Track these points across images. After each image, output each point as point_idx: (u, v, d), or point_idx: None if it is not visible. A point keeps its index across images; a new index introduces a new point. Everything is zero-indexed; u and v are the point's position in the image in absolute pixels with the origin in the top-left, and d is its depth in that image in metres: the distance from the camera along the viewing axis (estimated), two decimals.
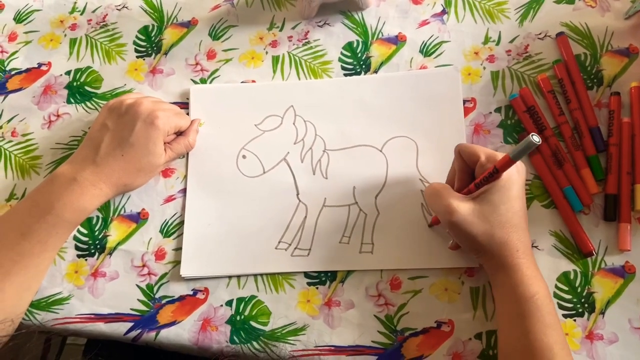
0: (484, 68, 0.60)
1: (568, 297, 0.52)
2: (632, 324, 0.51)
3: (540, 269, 0.52)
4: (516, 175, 0.48)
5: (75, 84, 0.65)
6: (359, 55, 0.63)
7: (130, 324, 0.55)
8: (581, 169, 0.54)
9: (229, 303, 0.55)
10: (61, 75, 0.66)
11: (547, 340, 0.44)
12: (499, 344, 0.49)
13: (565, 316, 0.51)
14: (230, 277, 0.56)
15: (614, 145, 0.54)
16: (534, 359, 0.44)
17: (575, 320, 0.51)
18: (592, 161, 0.55)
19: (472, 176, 0.51)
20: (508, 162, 0.45)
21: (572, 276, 0.52)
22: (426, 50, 0.62)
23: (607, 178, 0.54)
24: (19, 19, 0.69)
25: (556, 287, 0.52)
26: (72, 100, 0.64)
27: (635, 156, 0.54)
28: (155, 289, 0.56)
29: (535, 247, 0.53)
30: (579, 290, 0.52)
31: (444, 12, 0.64)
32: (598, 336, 0.51)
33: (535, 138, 0.41)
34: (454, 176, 0.52)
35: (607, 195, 0.53)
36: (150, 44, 0.66)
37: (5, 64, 0.67)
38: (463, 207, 0.47)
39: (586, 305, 0.52)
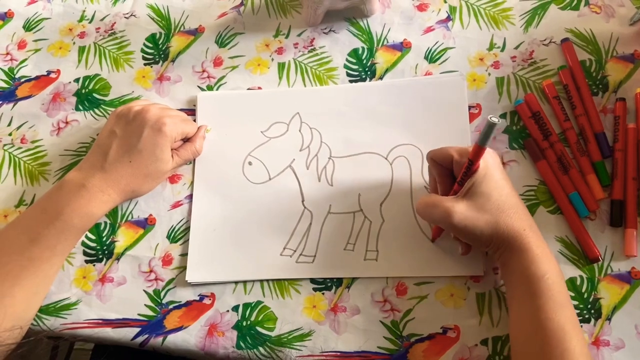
0: (489, 74, 0.61)
1: (574, 303, 0.52)
2: (639, 330, 0.50)
3: None
4: (492, 160, 0.49)
5: (83, 91, 0.66)
6: (364, 61, 0.63)
7: (137, 329, 0.55)
8: (587, 175, 0.54)
9: (235, 308, 0.55)
10: (70, 82, 0.66)
11: (559, 319, 0.44)
12: (510, 328, 0.49)
13: None
14: (236, 282, 0.56)
15: (620, 151, 0.54)
16: (546, 338, 0.44)
17: (582, 326, 0.51)
18: (598, 167, 0.55)
19: (452, 178, 0.51)
20: (478, 150, 0.46)
21: (578, 282, 0.52)
22: (431, 57, 0.62)
23: (613, 184, 0.54)
24: (28, 27, 0.70)
25: None
26: (81, 108, 0.65)
27: None
28: (162, 294, 0.56)
29: None
30: (585, 296, 0.52)
31: (448, 18, 0.64)
32: (604, 342, 0.50)
33: (494, 119, 0.42)
34: (436, 185, 0.53)
35: (613, 200, 0.53)
36: (158, 51, 0.67)
37: (15, 71, 0.68)
38: (459, 206, 0.47)
39: (592, 311, 0.51)
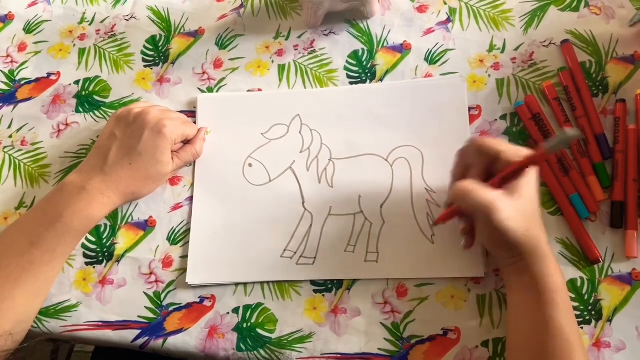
0: (489, 76, 0.61)
1: (575, 304, 0.52)
2: None
3: None
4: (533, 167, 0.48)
5: (83, 93, 0.66)
6: (365, 63, 0.63)
7: (137, 332, 0.55)
8: (587, 176, 0.54)
9: (235, 310, 0.55)
10: (70, 84, 0.66)
11: (569, 329, 0.45)
12: (510, 333, 0.48)
13: None
14: (236, 284, 0.56)
15: (620, 152, 0.54)
16: (555, 348, 0.44)
17: (582, 327, 0.51)
18: (599, 168, 0.55)
19: (485, 171, 0.50)
20: (542, 156, 0.46)
21: (578, 283, 0.52)
22: (431, 59, 0.62)
23: (613, 185, 0.54)
24: (28, 29, 0.70)
25: None
26: (81, 110, 0.65)
27: None
28: (162, 296, 0.56)
29: None
30: (585, 297, 0.52)
31: (448, 20, 0.64)
32: (605, 344, 0.50)
33: (570, 131, 0.42)
34: (463, 173, 0.51)
35: (614, 202, 0.53)
36: (158, 53, 0.67)
37: (15, 73, 0.68)
38: (505, 203, 0.45)
39: (593, 312, 0.51)
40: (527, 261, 0.47)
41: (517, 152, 0.48)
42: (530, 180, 0.47)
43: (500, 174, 0.48)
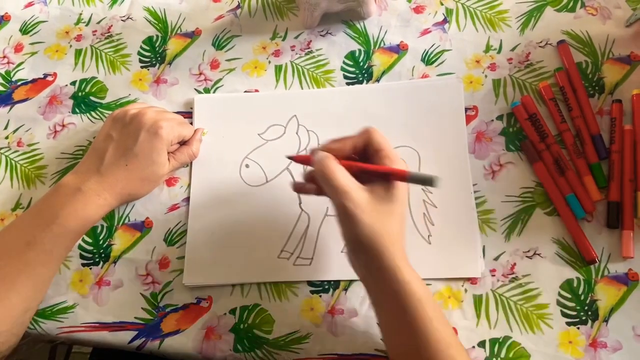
0: (486, 76, 0.61)
1: (571, 304, 0.52)
2: (636, 331, 0.50)
3: (542, 276, 0.53)
4: (404, 193, 0.47)
5: (80, 94, 0.66)
6: (361, 64, 0.63)
7: (134, 333, 0.55)
8: (583, 177, 0.54)
9: (232, 311, 0.55)
10: (66, 85, 0.66)
11: (442, 336, 0.43)
12: (388, 348, 0.47)
13: (568, 324, 0.51)
14: (233, 285, 0.56)
15: (616, 153, 0.54)
16: (423, 350, 0.43)
17: (579, 328, 0.51)
18: (594, 168, 0.55)
19: (360, 154, 0.49)
20: (401, 178, 0.45)
21: (575, 284, 0.52)
22: (428, 59, 0.62)
23: (609, 185, 0.54)
24: (24, 30, 0.70)
25: (559, 294, 0.52)
26: (77, 111, 0.65)
27: (637, 163, 0.54)
28: (159, 297, 0.56)
29: (538, 254, 0.53)
30: (582, 297, 0.52)
31: (445, 21, 0.64)
32: (602, 344, 0.50)
33: (438, 182, 0.43)
34: (346, 143, 0.49)
35: (610, 202, 0.53)
36: (155, 54, 0.67)
37: (12, 74, 0.68)
38: (360, 194, 0.45)
39: (590, 313, 0.51)
40: (369, 268, 0.45)
41: (393, 159, 0.46)
42: (391, 188, 0.46)
43: (365, 164, 0.47)
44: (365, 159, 0.48)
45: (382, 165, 0.47)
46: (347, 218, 0.45)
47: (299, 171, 0.58)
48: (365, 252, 0.45)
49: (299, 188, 0.54)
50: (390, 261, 0.44)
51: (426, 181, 0.44)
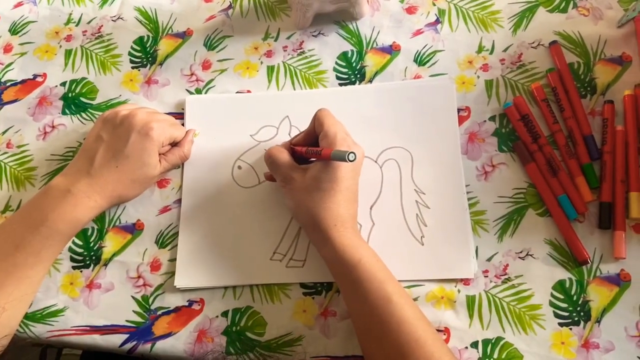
0: (478, 77, 0.61)
1: (564, 305, 0.52)
2: (628, 332, 0.50)
3: (535, 277, 0.53)
4: (350, 172, 0.50)
5: (70, 95, 0.65)
6: (354, 64, 0.63)
7: (125, 336, 0.54)
8: (575, 177, 0.55)
9: (224, 314, 0.55)
10: (56, 86, 0.66)
11: (384, 293, 0.47)
12: (351, 314, 0.51)
13: (561, 325, 0.51)
14: (225, 287, 0.56)
15: (608, 153, 0.55)
16: (377, 316, 0.46)
17: (571, 329, 0.51)
18: (587, 169, 0.55)
19: (314, 138, 0.53)
20: (327, 156, 0.48)
21: (567, 284, 0.52)
22: (420, 60, 0.62)
23: (601, 186, 0.54)
24: (14, 30, 0.70)
25: (552, 295, 0.52)
26: (68, 112, 0.64)
27: (629, 164, 0.54)
28: (150, 300, 0.56)
29: (531, 255, 0.53)
30: (574, 298, 0.52)
31: (437, 21, 0.64)
32: (594, 345, 0.50)
33: (351, 156, 0.45)
34: (307, 132, 0.54)
35: (602, 203, 0.54)
36: (146, 54, 0.66)
37: (1, 75, 0.67)
38: (294, 174, 0.51)
39: (582, 313, 0.52)
40: (317, 241, 0.51)
41: (330, 138, 0.50)
42: (328, 169, 0.49)
43: (300, 147, 0.53)
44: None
45: (321, 146, 0.51)
46: (284, 196, 0.52)
47: None
48: (303, 226, 0.52)
49: (268, 176, 0.58)
50: (323, 232, 0.49)
51: (342, 157, 0.46)
